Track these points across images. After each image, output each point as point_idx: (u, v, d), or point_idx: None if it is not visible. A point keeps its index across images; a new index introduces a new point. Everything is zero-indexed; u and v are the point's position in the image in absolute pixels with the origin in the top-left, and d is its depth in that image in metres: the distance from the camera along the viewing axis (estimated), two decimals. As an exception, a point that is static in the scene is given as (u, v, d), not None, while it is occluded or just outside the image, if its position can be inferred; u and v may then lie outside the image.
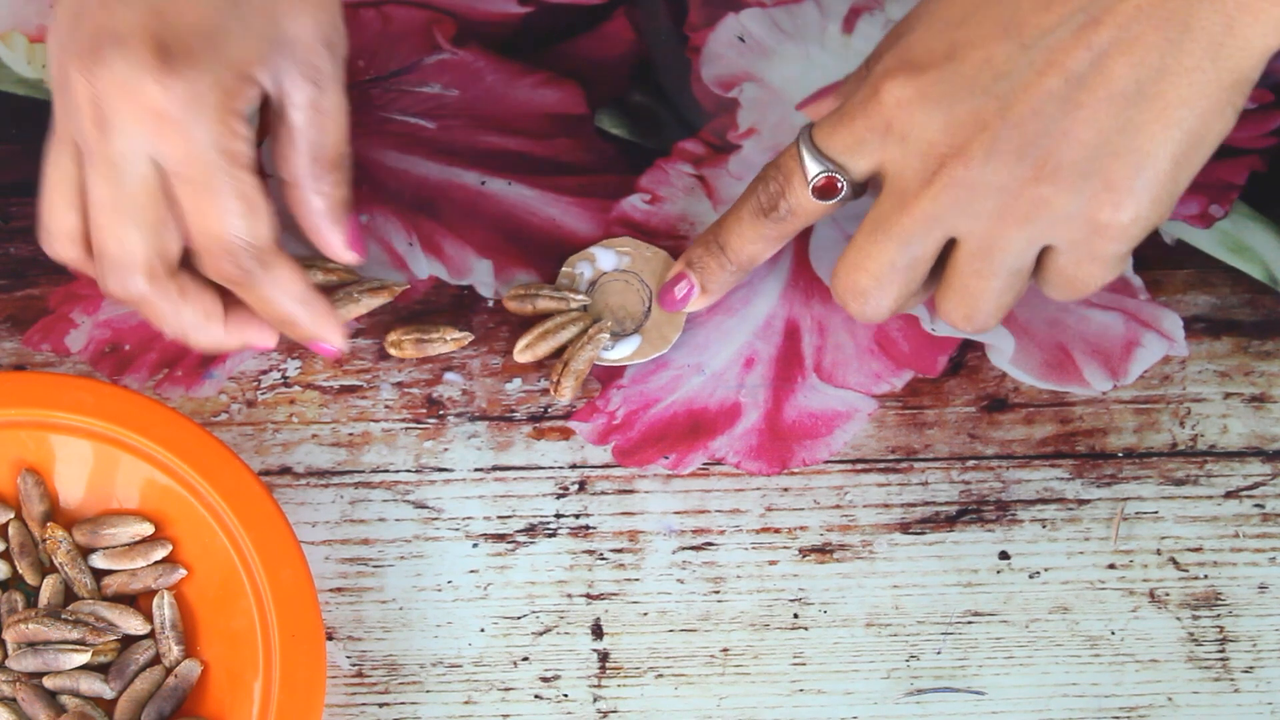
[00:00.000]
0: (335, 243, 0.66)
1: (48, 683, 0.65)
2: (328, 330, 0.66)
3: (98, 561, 0.66)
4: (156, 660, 0.66)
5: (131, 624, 0.66)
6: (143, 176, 0.61)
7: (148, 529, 0.66)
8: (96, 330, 0.70)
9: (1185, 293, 0.72)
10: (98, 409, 0.65)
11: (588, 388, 0.70)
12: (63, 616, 0.65)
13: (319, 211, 0.65)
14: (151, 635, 0.66)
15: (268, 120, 0.65)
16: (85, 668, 0.65)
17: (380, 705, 0.67)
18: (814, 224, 0.72)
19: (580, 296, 0.70)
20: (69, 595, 0.66)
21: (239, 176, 0.61)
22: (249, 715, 0.64)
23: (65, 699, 0.65)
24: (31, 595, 0.66)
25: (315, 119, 0.64)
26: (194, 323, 0.64)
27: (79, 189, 0.63)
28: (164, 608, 0.66)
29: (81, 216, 0.64)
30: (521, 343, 0.69)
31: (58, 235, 0.64)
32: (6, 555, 0.66)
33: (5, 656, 0.65)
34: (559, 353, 0.70)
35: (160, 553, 0.66)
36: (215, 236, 0.62)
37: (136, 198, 0.62)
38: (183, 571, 0.66)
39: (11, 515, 0.66)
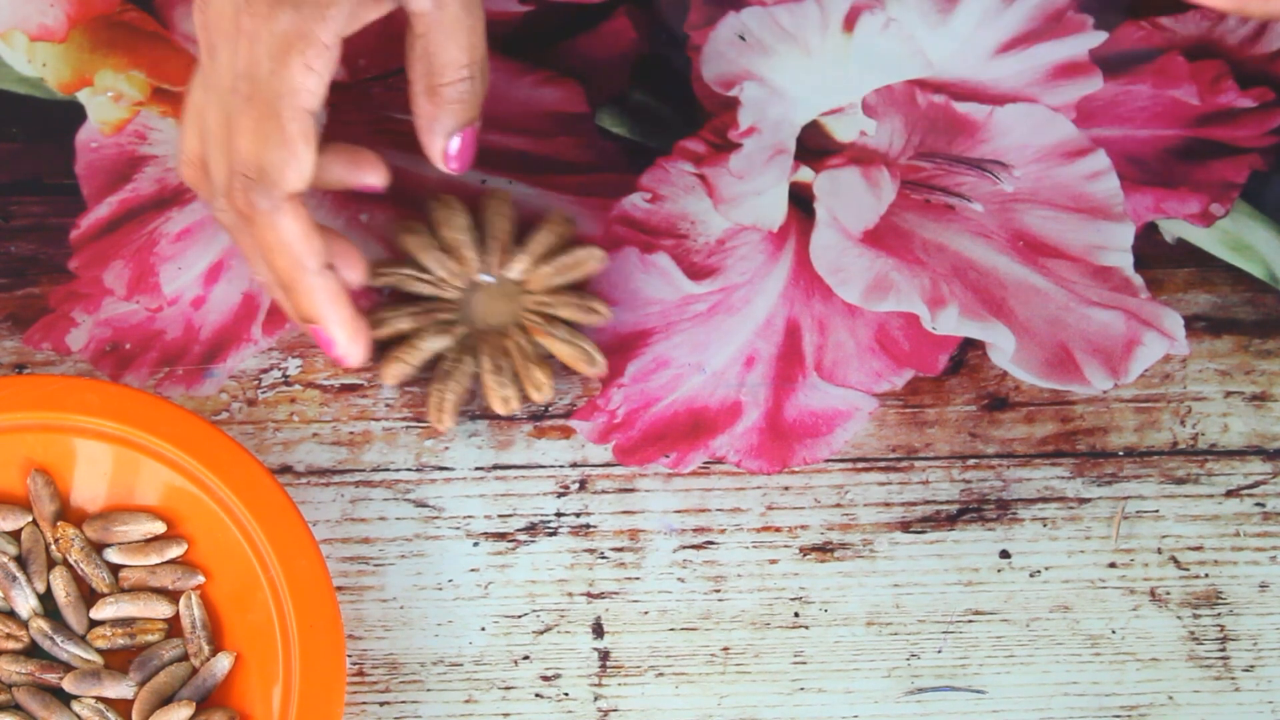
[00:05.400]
0: (434, 150, 0.66)
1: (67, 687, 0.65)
2: (328, 315, 0.64)
3: (112, 556, 0.66)
4: (183, 658, 0.66)
5: (160, 609, 0.66)
6: (224, 102, 0.61)
7: (159, 527, 0.66)
8: (97, 329, 0.70)
9: (1186, 291, 0.72)
10: (105, 409, 0.65)
11: (588, 386, 0.70)
12: (48, 654, 0.65)
13: (427, 116, 0.65)
14: (180, 634, 0.66)
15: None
16: (107, 666, 0.65)
17: (381, 704, 0.67)
18: (814, 223, 0.72)
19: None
20: (84, 590, 0.66)
21: (289, 106, 0.61)
22: (270, 705, 0.64)
23: (77, 706, 0.65)
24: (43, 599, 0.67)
25: (434, 31, 0.63)
26: (260, 261, 0.64)
27: (200, 114, 0.63)
28: (193, 608, 0.66)
29: (202, 140, 0.64)
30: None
31: (180, 159, 0.65)
32: (19, 560, 0.66)
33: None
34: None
35: (176, 550, 0.66)
36: (239, 154, 0.61)
37: (220, 120, 0.61)
38: (201, 578, 0.66)
39: (29, 519, 0.66)
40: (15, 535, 0.67)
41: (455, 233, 0.69)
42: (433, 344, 0.69)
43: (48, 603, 0.66)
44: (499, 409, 0.68)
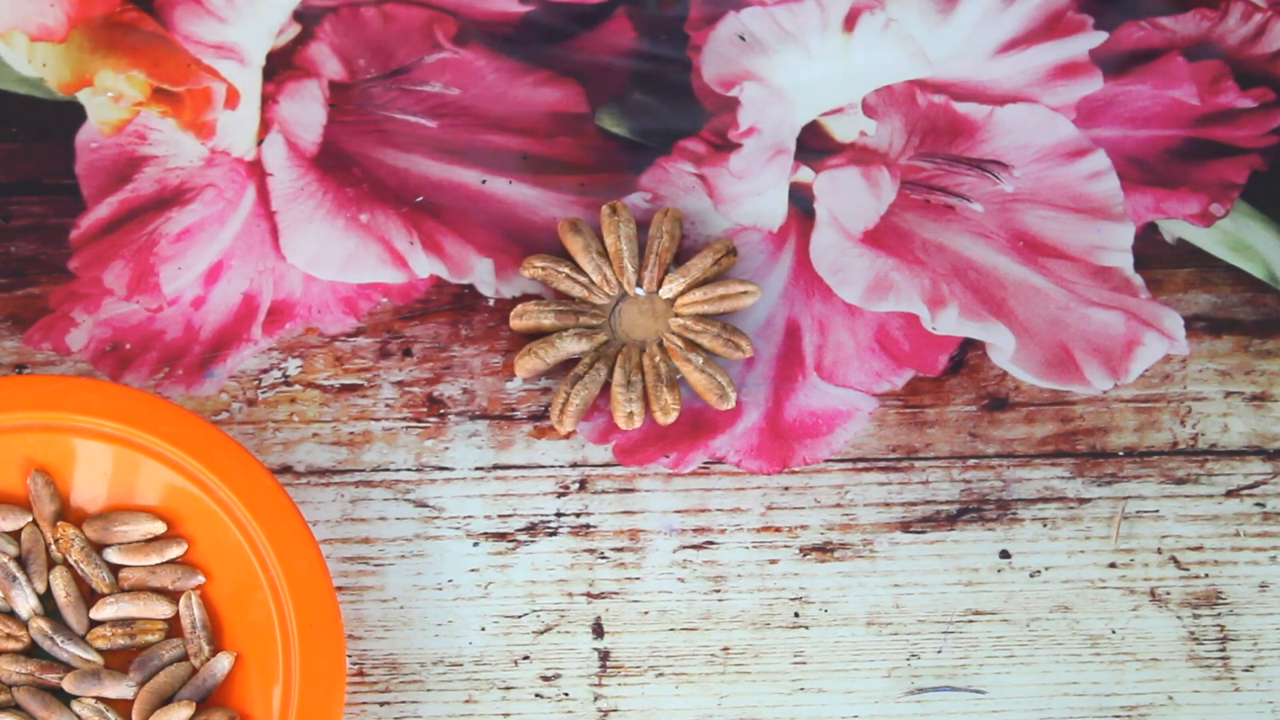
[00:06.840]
0: None
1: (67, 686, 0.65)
2: None
3: (112, 556, 0.66)
4: (183, 658, 0.66)
5: (160, 610, 0.66)
6: None
7: (159, 527, 0.66)
8: (97, 329, 0.70)
9: (1186, 291, 0.72)
10: (105, 409, 0.65)
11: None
12: (48, 654, 0.65)
13: None
14: (180, 634, 0.66)
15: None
16: (107, 666, 0.65)
17: (381, 704, 0.67)
18: (814, 223, 0.72)
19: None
20: (84, 590, 0.66)
21: None
22: (270, 705, 0.64)
23: (77, 706, 0.65)
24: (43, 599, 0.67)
25: None
26: None
27: None
28: (193, 608, 0.66)
29: None
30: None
31: None
32: (19, 560, 0.66)
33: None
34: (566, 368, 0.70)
35: (176, 550, 0.66)
36: None
37: None
38: (201, 578, 0.66)
39: (29, 519, 0.66)
40: (15, 535, 0.67)
41: (619, 241, 0.69)
42: (571, 346, 0.69)
43: (48, 603, 0.66)
44: (622, 424, 0.68)
